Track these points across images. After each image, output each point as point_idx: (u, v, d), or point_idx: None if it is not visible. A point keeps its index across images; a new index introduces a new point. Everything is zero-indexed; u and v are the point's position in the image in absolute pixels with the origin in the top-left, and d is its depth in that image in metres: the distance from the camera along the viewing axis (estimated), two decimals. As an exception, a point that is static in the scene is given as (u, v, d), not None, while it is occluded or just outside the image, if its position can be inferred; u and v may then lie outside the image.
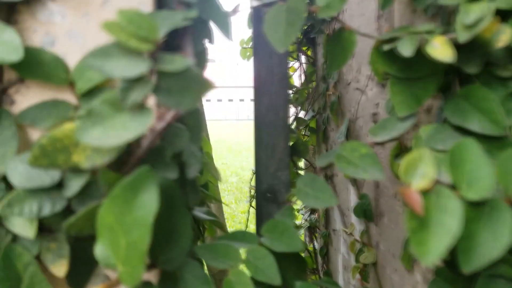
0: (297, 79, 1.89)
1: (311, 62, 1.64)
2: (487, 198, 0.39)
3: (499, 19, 0.46)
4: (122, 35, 0.35)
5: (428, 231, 0.37)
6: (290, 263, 0.62)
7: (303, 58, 1.73)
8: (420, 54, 0.52)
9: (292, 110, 1.58)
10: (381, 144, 0.57)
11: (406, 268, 0.75)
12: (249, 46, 1.84)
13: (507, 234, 0.39)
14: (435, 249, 0.36)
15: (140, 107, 0.37)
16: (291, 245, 0.56)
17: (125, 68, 0.35)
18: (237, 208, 5.56)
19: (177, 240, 0.46)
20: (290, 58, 1.72)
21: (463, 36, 0.45)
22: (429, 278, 0.67)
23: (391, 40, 0.53)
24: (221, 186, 7.00)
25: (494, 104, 0.48)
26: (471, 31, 0.45)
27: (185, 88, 0.38)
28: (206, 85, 0.40)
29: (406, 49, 0.49)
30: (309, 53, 1.65)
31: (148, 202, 0.38)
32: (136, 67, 0.35)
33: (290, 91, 1.59)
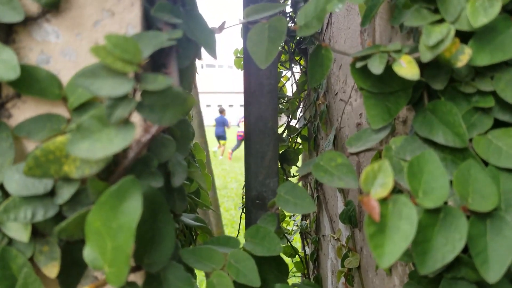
0: (290, 87, 1.93)
1: (304, 71, 1.68)
2: (441, 206, 0.43)
3: (459, 40, 0.49)
4: (108, 59, 0.38)
5: (385, 235, 0.40)
6: (272, 267, 0.65)
7: (296, 68, 1.77)
8: (391, 71, 0.56)
9: (284, 118, 1.62)
10: (356, 154, 0.61)
11: (385, 272, 0.79)
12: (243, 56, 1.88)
13: (459, 239, 0.43)
14: (391, 252, 0.39)
15: (125, 122, 0.41)
16: (270, 250, 0.59)
17: (111, 88, 0.39)
18: (236, 214, 5.59)
19: (160, 244, 0.49)
20: (283, 68, 1.76)
21: (425, 57, 0.49)
22: (405, 281, 0.71)
23: (364, 57, 0.57)
24: (221, 192, 7.03)
25: (457, 118, 0.52)
26: (433, 52, 0.49)
27: (166, 105, 0.42)
28: (187, 102, 0.44)
29: (375, 67, 0.53)
30: (302, 62, 1.70)
31: (132, 209, 0.41)
32: (121, 87, 0.39)
33: (282, 100, 1.62)
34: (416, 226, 0.40)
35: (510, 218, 0.45)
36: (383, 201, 0.41)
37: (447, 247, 0.43)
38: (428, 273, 0.43)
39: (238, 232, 1.62)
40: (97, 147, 0.40)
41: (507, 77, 0.50)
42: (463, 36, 0.51)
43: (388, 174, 0.41)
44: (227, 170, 9.52)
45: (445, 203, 0.47)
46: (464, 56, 0.49)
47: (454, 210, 0.44)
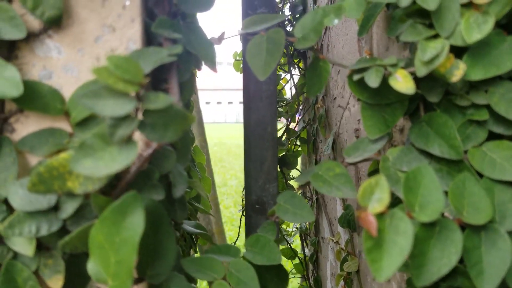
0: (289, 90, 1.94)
1: (302, 74, 1.69)
2: (436, 220, 0.44)
3: (454, 54, 0.50)
4: (110, 80, 0.39)
5: (382, 250, 0.41)
6: (272, 274, 0.66)
7: (295, 71, 1.78)
8: (387, 83, 0.57)
9: (284, 121, 1.63)
10: (354, 164, 0.62)
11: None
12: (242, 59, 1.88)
13: (455, 252, 0.44)
14: (388, 266, 0.40)
15: (127, 141, 0.42)
16: (270, 259, 0.60)
17: (113, 108, 0.40)
18: (236, 212, 5.60)
19: (163, 256, 0.50)
20: (282, 70, 1.77)
21: (421, 72, 0.50)
22: (403, 287, 0.72)
23: (361, 70, 0.58)
24: (221, 190, 7.05)
25: (452, 131, 0.53)
26: (428, 67, 0.50)
27: (168, 123, 0.43)
28: (187, 119, 0.45)
29: (372, 81, 0.54)
30: (300, 65, 1.70)
31: (135, 224, 0.42)
32: (123, 107, 0.40)
33: (281, 103, 1.64)
34: (412, 241, 0.41)
35: (504, 230, 0.46)
36: (380, 216, 0.42)
37: (442, 261, 0.44)
38: (424, 285, 0.44)
39: (238, 235, 1.63)
40: (100, 165, 0.41)
41: (501, 91, 0.51)
42: (458, 51, 0.52)
43: (384, 189, 0.42)
44: (227, 168, 9.53)
45: (442, 214, 0.48)
46: (458, 71, 0.50)
47: (450, 224, 0.45)
